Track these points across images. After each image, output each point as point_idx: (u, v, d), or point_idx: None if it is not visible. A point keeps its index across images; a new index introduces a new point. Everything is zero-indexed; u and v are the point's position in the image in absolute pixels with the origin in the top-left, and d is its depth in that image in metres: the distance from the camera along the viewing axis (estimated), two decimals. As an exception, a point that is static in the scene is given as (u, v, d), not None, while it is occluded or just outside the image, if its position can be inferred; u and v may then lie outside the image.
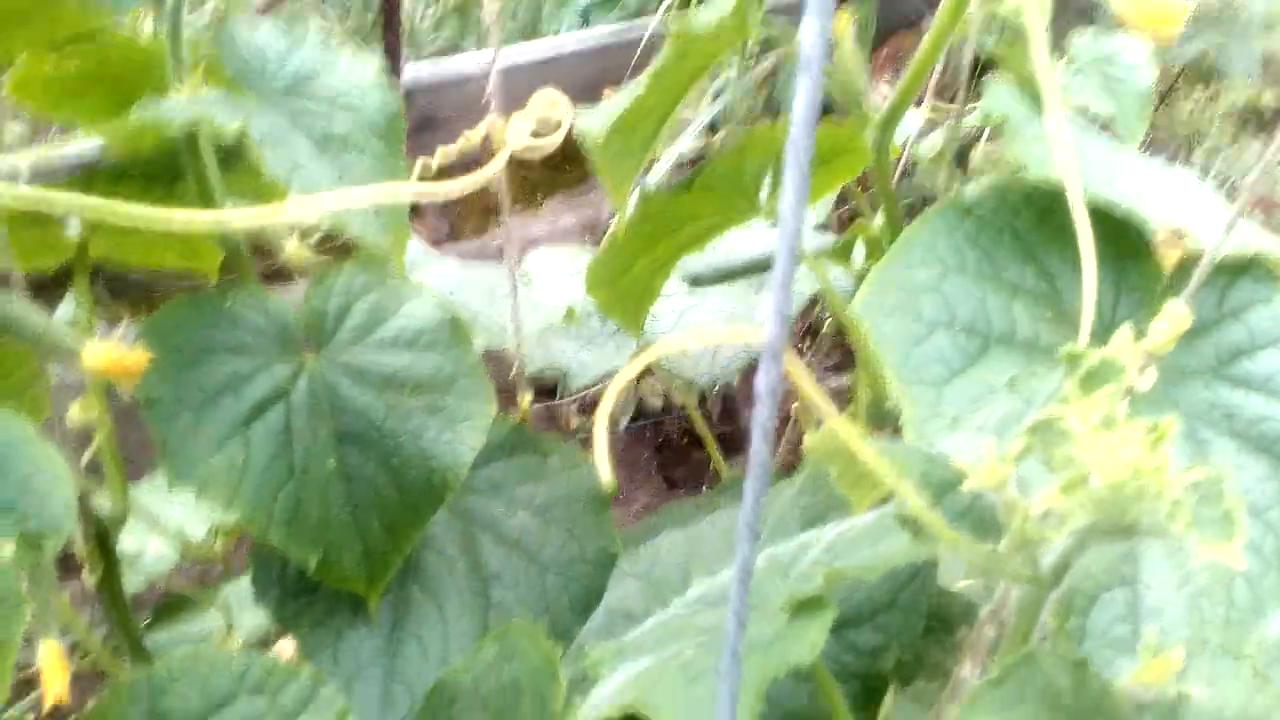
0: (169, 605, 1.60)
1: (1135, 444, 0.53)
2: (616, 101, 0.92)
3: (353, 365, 1.10)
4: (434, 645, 1.14)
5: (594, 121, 0.93)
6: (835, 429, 0.58)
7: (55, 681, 0.93)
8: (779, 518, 1.06)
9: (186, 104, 0.88)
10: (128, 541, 1.57)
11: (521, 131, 0.72)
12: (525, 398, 1.32)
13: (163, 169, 1.10)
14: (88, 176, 1.08)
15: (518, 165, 2.70)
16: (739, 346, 1.62)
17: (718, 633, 0.81)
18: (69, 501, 0.85)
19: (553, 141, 0.72)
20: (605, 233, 1.17)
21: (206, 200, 1.03)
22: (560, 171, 2.74)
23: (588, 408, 2.42)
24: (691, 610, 0.90)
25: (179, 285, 1.11)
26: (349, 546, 1.08)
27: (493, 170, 0.74)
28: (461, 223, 2.62)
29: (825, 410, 0.58)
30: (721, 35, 0.89)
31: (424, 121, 2.43)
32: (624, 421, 2.50)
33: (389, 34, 2.24)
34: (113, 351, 0.94)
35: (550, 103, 0.70)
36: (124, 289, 1.89)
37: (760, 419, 0.55)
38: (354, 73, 1.04)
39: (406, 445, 1.08)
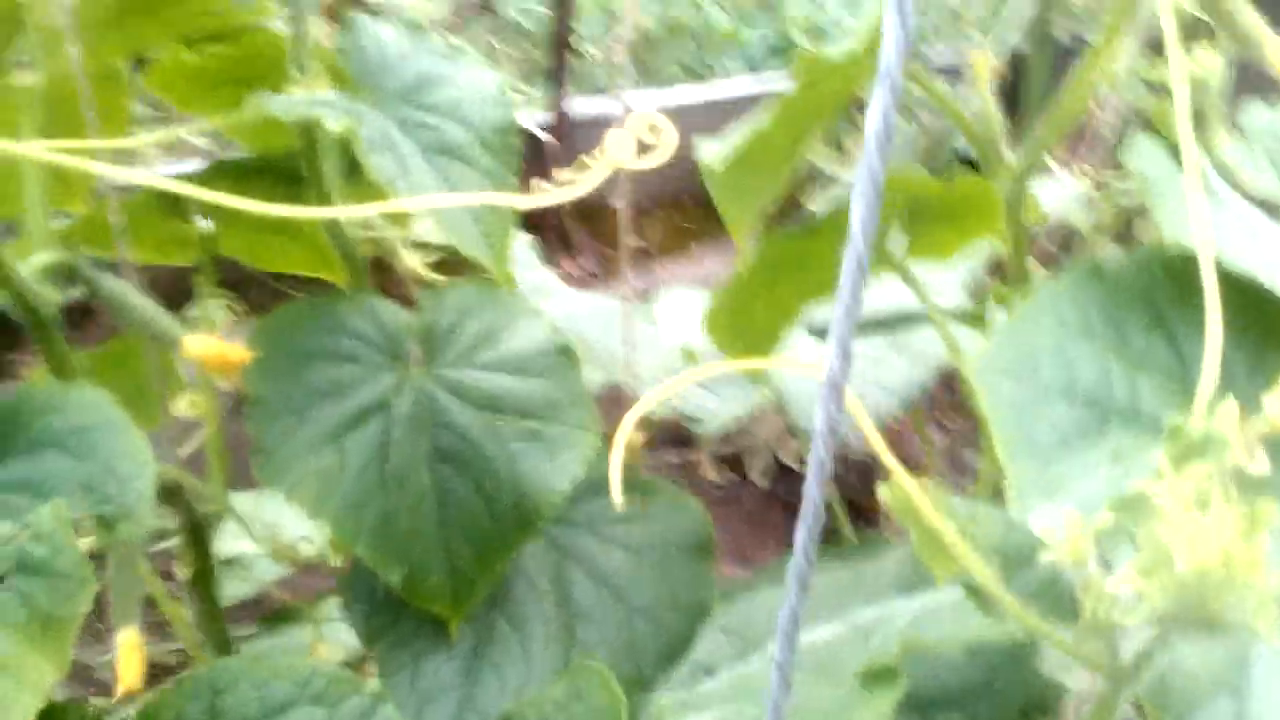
0: (275, 615, 1.61)
1: (1230, 529, 0.48)
2: (739, 132, 0.89)
3: (459, 383, 1.08)
4: (513, 677, 1.11)
5: (713, 152, 0.90)
6: (902, 484, 0.54)
7: (129, 670, 0.93)
8: (874, 583, 1.01)
9: (297, 101, 0.88)
10: (239, 546, 1.58)
11: (623, 147, 0.70)
12: (636, 437, 1.29)
13: (289, 173, 1.11)
14: (213, 174, 1.10)
15: (671, 209, 2.69)
16: (868, 405, 1.56)
17: (787, 694, 0.77)
18: (147, 489, 0.85)
19: (654, 161, 0.69)
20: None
21: (324, 203, 1.03)
22: (714, 218, 2.72)
23: (728, 461, 2.38)
24: (767, 668, 0.85)
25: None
26: (436, 566, 1.06)
27: (591, 184, 0.72)
28: (613, 263, 2.63)
29: (890, 464, 0.53)
30: (852, 68, 0.86)
31: (580, 154, 2.45)
32: (761, 480, 2.46)
33: (556, 67, 2.27)
34: (214, 344, 0.95)
35: (649, 123, 0.68)
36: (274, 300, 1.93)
37: (816, 458, 0.52)
38: (474, 86, 1.03)
39: (502, 469, 1.06)
